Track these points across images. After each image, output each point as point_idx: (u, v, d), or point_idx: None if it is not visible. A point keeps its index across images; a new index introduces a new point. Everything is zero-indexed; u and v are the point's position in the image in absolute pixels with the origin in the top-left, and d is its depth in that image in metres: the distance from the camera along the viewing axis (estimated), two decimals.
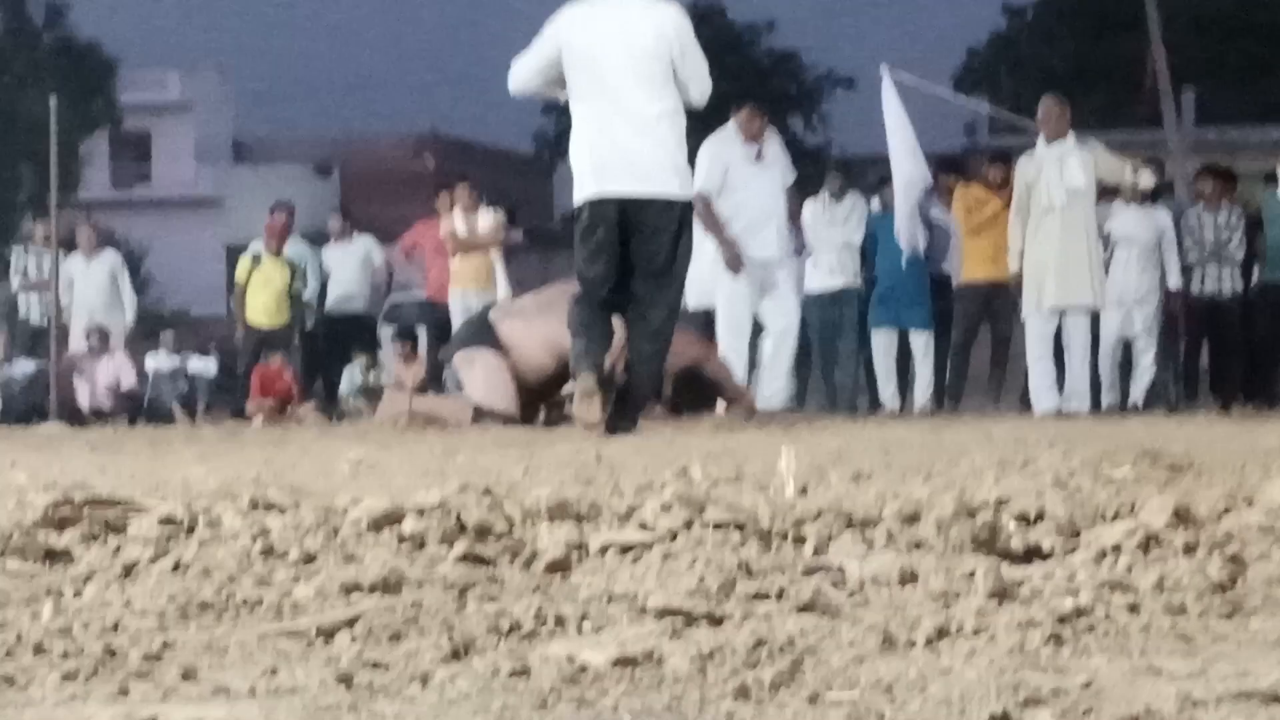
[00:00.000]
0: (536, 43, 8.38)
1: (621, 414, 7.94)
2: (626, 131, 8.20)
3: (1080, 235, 11.63)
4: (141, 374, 20.11)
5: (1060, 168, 11.62)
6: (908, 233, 13.23)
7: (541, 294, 10.33)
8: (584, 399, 7.80)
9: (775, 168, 11.83)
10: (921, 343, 14.01)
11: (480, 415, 9.78)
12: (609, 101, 8.23)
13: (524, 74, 8.45)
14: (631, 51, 8.24)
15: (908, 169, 13.05)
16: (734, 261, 11.46)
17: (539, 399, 9.90)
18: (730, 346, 11.33)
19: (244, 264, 16.62)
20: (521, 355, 9.84)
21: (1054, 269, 11.59)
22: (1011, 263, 11.91)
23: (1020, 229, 11.79)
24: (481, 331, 10.32)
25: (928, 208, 13.72)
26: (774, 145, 11.98)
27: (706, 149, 11.71)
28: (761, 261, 11.56)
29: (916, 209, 13.22)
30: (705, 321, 12.14)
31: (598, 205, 8.21)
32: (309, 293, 16.60)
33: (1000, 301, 12.97)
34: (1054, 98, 12.05)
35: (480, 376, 9.98)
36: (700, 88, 8.33)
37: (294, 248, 16.76)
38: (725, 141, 11.78)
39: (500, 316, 10.46)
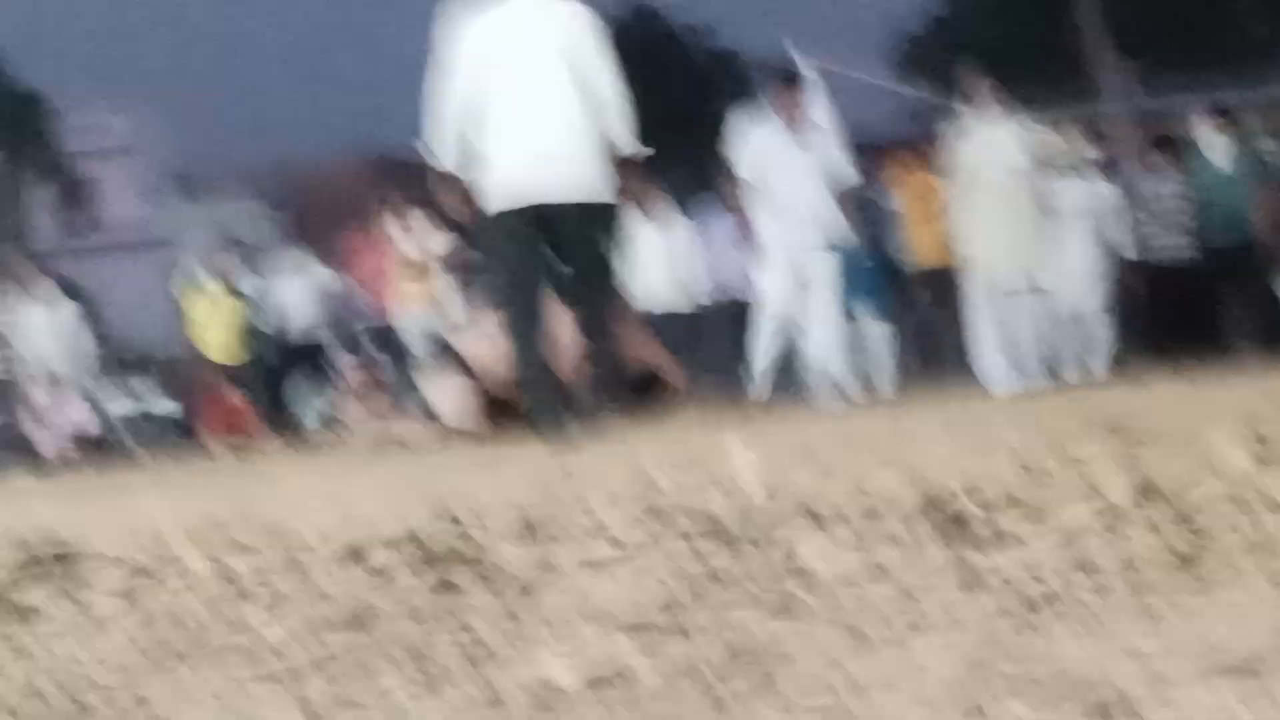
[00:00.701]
0: (444, 75, 8.10)
1: (582, 414, 7.86)
2: (542, 131, 7.96)
3: (1022, 213, 11.67)
4: (103, 417, 20.03)
5: (997, 147, 11.65)
6: (829, 227, 13.00)
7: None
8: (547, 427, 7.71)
9: (817, 154, 11.41)
10: (877, 330, 14.05)
11: (445, 434, 9.77)
12: (521, 101, 7.99)
13: (446, 115, 8.11)
14: (543, 50, 8.01)
15: (826, 165, 12.81)
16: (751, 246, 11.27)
17: (509, 405, 9.86)
18: (757, 337, 11.15)
19: (195, 300, 16.60)
20: (482, 366, 9.83)
21: (998, 248, 11.62)
22: (955, 246, 11.94)
23: (960, 212, 11.82)
24: (440, 352, 10.33)
25: (874, 198, 13.73)
26: (819, 131, 11.66)
27: (740, 129, 11.47)
28: (797, 253, 11.27)
29: (836, 204, 12.99)
30: (678, 321, 12.04)
31: (512, 215, 7.99)
32: (257, 322, 16.57)
33: (952, 284, 13.00)
34: (975, 69, 12.02)
35: (443, 396, 9.98)
36: (612, 94, 8.04)
37: (245, 281, 16.73)
38: (759, 122, 11.51)
39: (456, 334, 10.49)
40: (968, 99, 11.94)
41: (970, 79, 11.97)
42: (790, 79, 11.52)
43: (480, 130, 8.06)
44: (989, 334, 11.86)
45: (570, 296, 8.15)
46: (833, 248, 11.34)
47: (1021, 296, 11.78)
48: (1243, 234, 13.68)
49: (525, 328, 7.94)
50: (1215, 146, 13.99)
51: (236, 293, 16.33)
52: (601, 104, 8.05)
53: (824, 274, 11.28)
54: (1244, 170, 13.92)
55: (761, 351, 11.25)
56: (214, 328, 16.35)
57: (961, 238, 11.84)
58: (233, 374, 16.44)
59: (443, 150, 8.12)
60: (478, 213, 8.10)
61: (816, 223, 11.22)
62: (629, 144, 8.11)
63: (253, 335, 16.47)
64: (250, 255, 17.98)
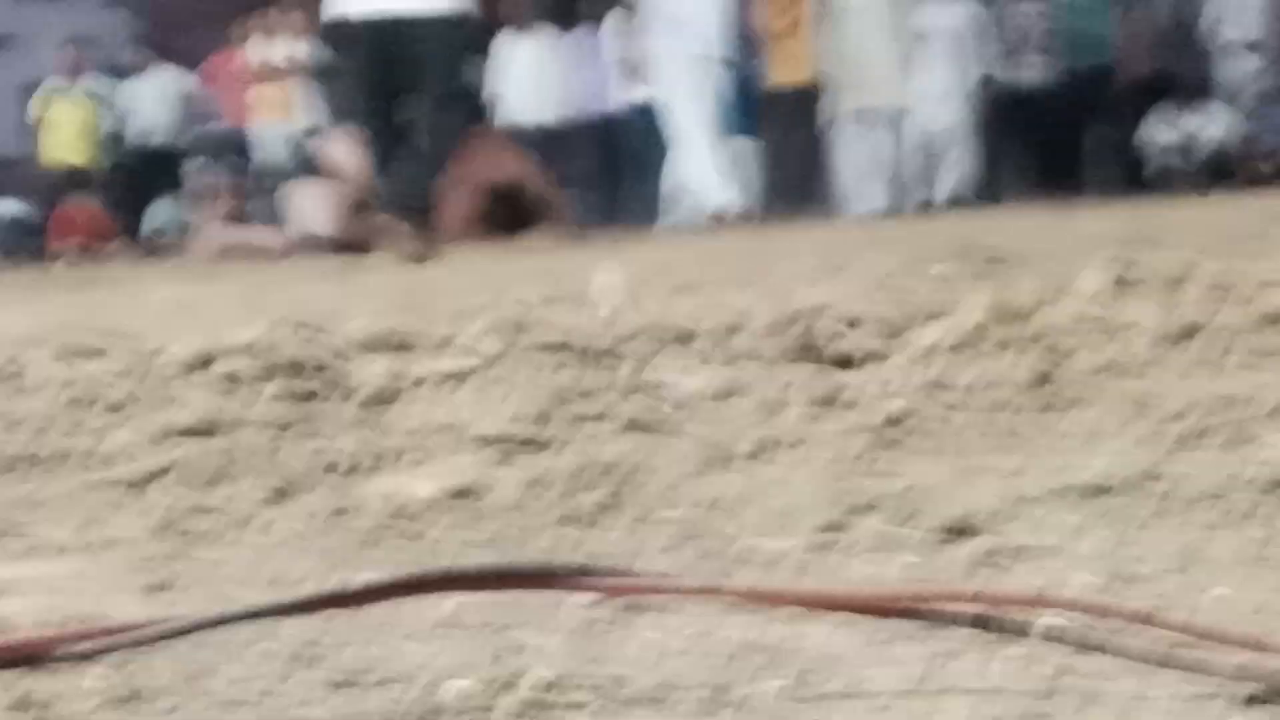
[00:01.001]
0: None
1: (439, 228, 7.79)
2: None
3: (881, 32, 11.62)
4: None
5: None
6: (717, 41, 12.91)
7: None
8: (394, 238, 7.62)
9: None
10: (740, 147, 14.01)
11: (300, 244, 9.69)
12: None
13: None
14: None
15: None
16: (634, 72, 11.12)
17: (368, 215, 9.75)
18: (689, 153, 10.96)
19: (40, 101, 16.28)
20: (342, 175, 9.72)
21: (855, 69, 11.58)
22: (813, 64, 11.88)
23: (819, 30, 11.75)
24: (303, 160, 10.22)
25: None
26: None
27: None
28: (687, 66, 11.06)
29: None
30: (544, 138, 11.90)
31: (359, 25, 7.72)
32: (110, 127, 16.27)
33: (811, 104, 12.95)
34: None
35: (305, 205, 9.88)
36: None
37: (92, 83, 16.40)
38: None
39: (320, 142, 10.37)
40: None
41: None
42: None
43: None
44: (849, 155, 11.86)
45: (423, 112, 8.02)
46: (721, 62, 11.22)
47: (883, 118, 11.78)
48: (1104, 58, 13.74)
49: (376, 140, 7.82)
50: None
51: (90, 95, 16.01)
52: None
53: (713, 88, 11.16)
54: None
55: (699, 164, 11.03)
56: (66, 130, 16.04)
57: (824, 57, 11.80)
58: (84, 178, 16.15)
59: None
60: (327, 21, 7.92)
61: (707, 36, 11.06)
62: None
63: (105, 139, 16.17)
64: (104, 57, 17.58)
